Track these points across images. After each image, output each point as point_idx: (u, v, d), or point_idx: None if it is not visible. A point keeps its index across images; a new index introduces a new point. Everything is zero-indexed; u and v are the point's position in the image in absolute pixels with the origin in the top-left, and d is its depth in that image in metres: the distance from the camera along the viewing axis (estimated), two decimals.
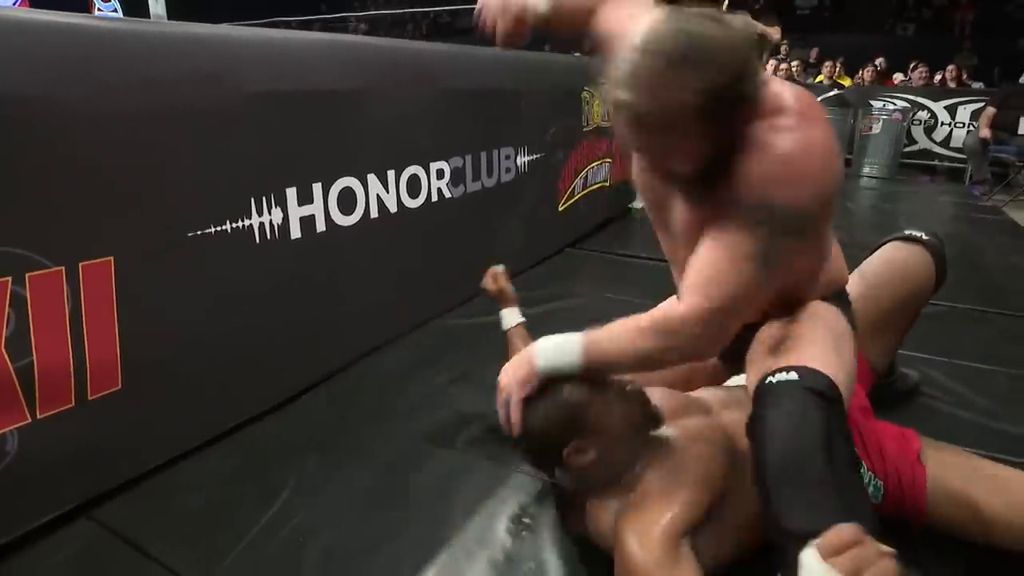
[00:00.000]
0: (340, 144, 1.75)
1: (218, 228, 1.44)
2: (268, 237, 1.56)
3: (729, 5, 3.88)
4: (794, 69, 7.61)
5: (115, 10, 13.58)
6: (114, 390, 1.29)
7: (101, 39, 1.21)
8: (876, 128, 5.97)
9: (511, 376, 1.08)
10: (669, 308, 1.02)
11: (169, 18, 5.06)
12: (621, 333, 1.04)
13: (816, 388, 0.93)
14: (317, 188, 1.69)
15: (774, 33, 4.96)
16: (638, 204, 5.26)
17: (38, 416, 1.17)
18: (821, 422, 0.91)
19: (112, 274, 1.25)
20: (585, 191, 3.27)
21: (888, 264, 1.41)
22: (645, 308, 1.09)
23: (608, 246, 3.27)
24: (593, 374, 1.06)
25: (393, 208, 1.97)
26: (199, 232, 1.40)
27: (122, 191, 1.25)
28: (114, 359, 1.28)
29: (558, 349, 1.06)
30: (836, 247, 1.23)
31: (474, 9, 1.27)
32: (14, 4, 12.65)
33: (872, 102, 6.30)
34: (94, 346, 1.24)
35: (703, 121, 0.88)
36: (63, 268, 1.17)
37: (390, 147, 1.94)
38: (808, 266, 1.13)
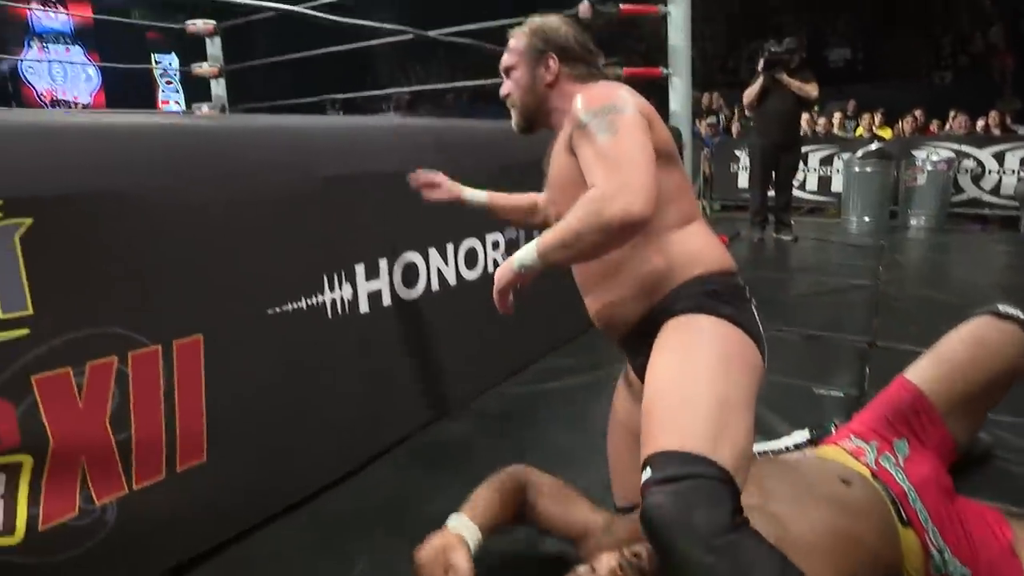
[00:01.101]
0: (403, 220, 1.84)
1: (295, 305, 1.52)
2: (339, 312, 1.64)
3: (766, 66, 3.95)
4: (834, 122, 7.64)
5: (177, 91, 14.44)
6: (200, 462, 1.35)
7: (189, 137, 1.34)
8: (921, 179, 5.92)
9: (499, 273, 1.23)
10: (591, 191, 1.09)
11: (229, 100, 5.39)
12: (566, 221, 1.10)
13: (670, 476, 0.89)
14: (383, 263, 1.78)
15: (812, 90, 5.01)
16: None
17: (134, 487, 1.24)
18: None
19: (201, 351, 1.33)
20: None
21: (981, 346, 1.34)
22: None
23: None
24: None
25: (452, 280, 2.04)
26: (278, 309, 1.49)
27: (210, 273, 1.35)
28: (200, 432, 1.35)
29: (524, 250, 1.17)
30: (707, 229, 1.27)
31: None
32: (91, 95, 13.53)
33: (915, 152, 6.27)
34: (184, 420, 1.31)
35: (533, 37, 1.32)
36: (159, 346, 1.26)
37: (448, 221, 2.03)
38: (667, 178, 1.19)
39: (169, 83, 14.63)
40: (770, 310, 3.20)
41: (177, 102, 15.30)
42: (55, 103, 13.67)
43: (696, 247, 1.21)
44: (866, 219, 5.90)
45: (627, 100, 1.16)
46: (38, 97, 13.41)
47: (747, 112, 5.58)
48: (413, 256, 1.89)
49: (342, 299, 1.65)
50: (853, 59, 13.36)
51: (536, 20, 1.35)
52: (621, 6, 3.94)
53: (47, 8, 12.87)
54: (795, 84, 4.90)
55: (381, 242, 1.78)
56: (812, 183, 6.89)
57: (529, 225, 1.67)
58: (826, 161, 6.89)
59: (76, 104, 13.96)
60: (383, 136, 1.80)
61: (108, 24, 13.39)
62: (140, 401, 1.23)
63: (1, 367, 1.05)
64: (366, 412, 1.76)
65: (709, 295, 1.16)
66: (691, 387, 1.02)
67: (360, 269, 1.70)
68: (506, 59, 1.36)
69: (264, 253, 1.46)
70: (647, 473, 0.93)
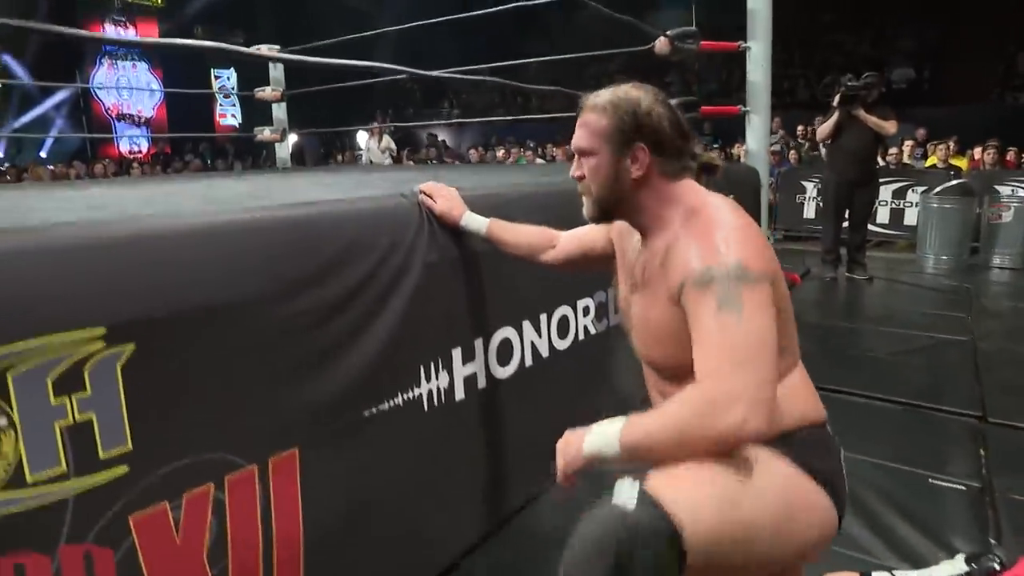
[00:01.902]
0: (498, 295, 1.73)
1: (392, 402, 1.41)
2: (435, 403, 1.53)
3: (842, 100, 3.75)
4: (904, 151, 7.32)
5: (235, 104, 14.74)
6: None
7: (285, 231, 1.23)
8: (1007, 216, 5.58)
9: (563, 454, 1.08)
10: (694, 388, 0.96)
11: (290, 120, 5.37)
12: (660, 414, 0.98)
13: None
14: (479, 344, 1.66)
15: (890, 127, 4.76)
16: None
17: None
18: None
19: (297, 465, 1.23)
20: None
21: None
22: None
23: None
24: None
25: (545, 352, 1.92)
26: (375, 410, 1.38)
27: (306, 380, 1.24)
28: (298, 550, 1.24)
29: (602, 436, 1.01)
30: (803, 374, 1.15)
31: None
32: (154, 108, 13.94)
33: (998, 187, 5.93)
34: (281, 539, 1.21)
35: (616, 119, 1.09)
36: (256, 466, 1.16)
37: (541, 291, 1.91)
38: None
39: (227, 97, 14.99)
40: (858, 370, 3.03)
41: (234, 115, 15.69)
42: (121, 116, 14.12)
43: (789, 403, 1.07)
44: (944, 257, 5.60)
45: (757, 259, 1.00)
46: (105, 111, 13.88)
47: (820, 147, 5.35)
48: (507, 332, 1.77)
49: (438, 388, 1.54)
50: (918, 79, 12.83)
51: (622, 92, 1.10)
52: (701, 43, 3.78)
53: (118, 26, 13.30)
54: (872, 120, 4.66)
55: (477, 321, 1.67)
56: (884, 216, 6.58)
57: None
58: (899, 193, 6.57)
59: (140, 116, 14.39)
60: (481, 211, 1.68)
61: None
62: (237, 527, 1.13)
63: (101, 511, 0.95)
64: (460, 500, 1.64)
65: (796, 446, 1.06)
66: (742, 494, 0.94)
67: (456, 354, 1.59)
68: (581, 140, 1.13)
69: (361, 351, 1.35)
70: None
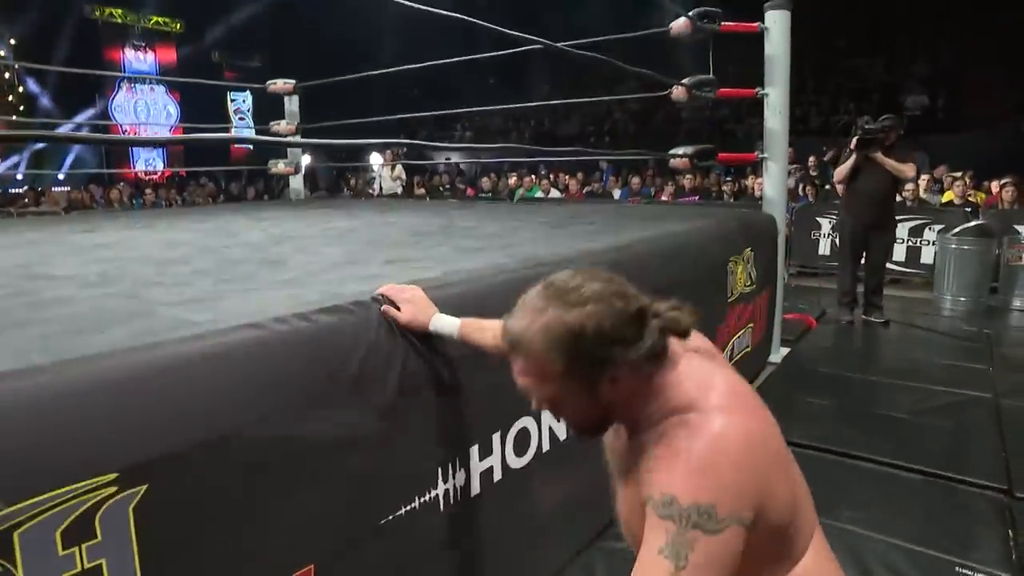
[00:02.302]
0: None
1: (408, 507, 1.38)
2: (451, 502, 1.49)
3: (859, 144, 3.71)
4: (921, 185, 7.26)
5: (249, 127, 14.90)
6: None
7: (294, 347, 1.20)
8: None
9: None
10: None
11: (304, 129, 5.38)
12: None
13: None
14: (496, 438, 1.62)
15: (909, 171, 4.71)
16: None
17: None
18: None
19: None
20: (732, 362, 3.10)
21: None
22: None
23: None
24: None
25: (562, 435, 1.87)
26: (391, 517, 1.34)
27: (321, 496, 1.21)
28: None
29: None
30: (817, 550, 1.03)
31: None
32: (170, 130, 14.10)
33: (1018, 227, 5.86)
34: None
35: (565, 361, 0.93)
36: None
37: None
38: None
39: (242, 119, 15.17)
40: (876, 431, 2.96)
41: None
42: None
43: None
44: (962, 299, 5.53)
45: (734, 497, 0.88)
46: (123, 132, 14.07)
47: (838, 188, 5.30)
48: (526, 421, 1.73)
49: (455, 487, 1.50)
50: (932, 106, 12.74)
51: (551, 320, 0.93)
52: (719, 90, 3.76)
53: (137, 51, 13.53)
54: (890, 163, 4.62)
55: (496, 414, 1.63)
56: (900, 254, 6.52)
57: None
58: (916, 231, 6.51)
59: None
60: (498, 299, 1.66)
61: (188, 66, 14.04)
62: None
63: None
64: None
65: None
66: None
67: (474, 451, 1.56)
68: (529, 388, 0.99)
69: (377, 460, 1.32)
70: None
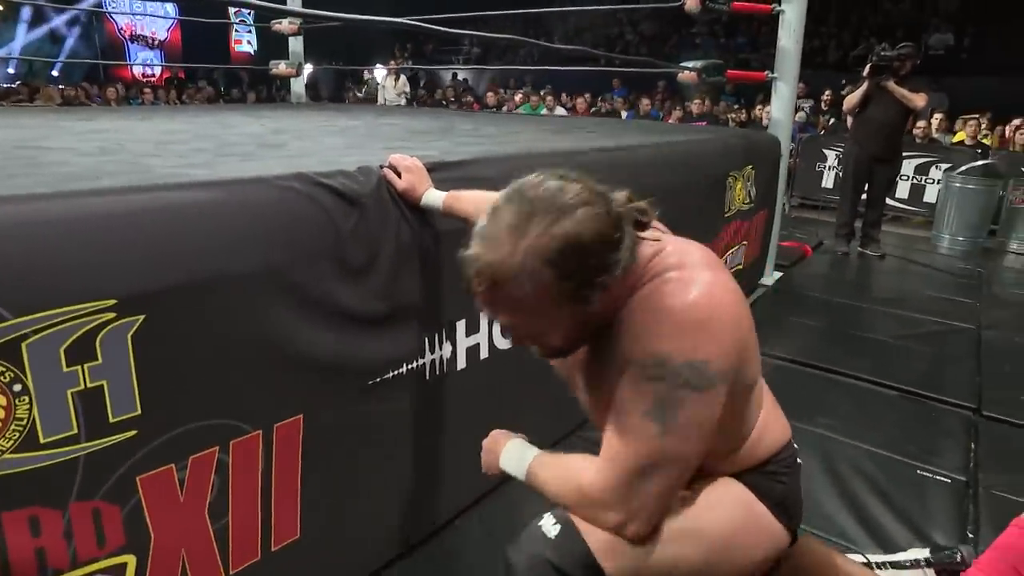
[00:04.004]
0: None
1: (395, 372, 1.44)
2: (436, 372, 1.55)
3: (872, 71, 3.64)
4: (933, 124, 7.12)
5: (250, 31, 14.40)
6: (294, 539, 1.30)
7: (303, 205, 1.23)
8: None
9: (487, 461, 1.17)
10: (589, 471, 0.97)
11: (306, 52, 5.24)
12: (556, 477, 1.03)
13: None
14: (484, 315, 1.67)
15: (919, 100, 4.62)
16: None
17: (230, 572, 1.19)
18: None
19: (300, 431, 1.26)
20: None
21: None
22: None
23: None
24: None
25: None
26: (379, 379, 1.40)
27: (314, 351, 1.26)
28: (295, 510, 1.29)
29: (513, 463, 1.09)
30: (767, 402, 1.11)
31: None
32: (167, 31, 13.62)
33: None
34: (279, 500, 1.25)
35: (560, 280, 0.83)
36: (260, 431, 1.19)
37: None
38: (734, 429, 1.04)
39: (243, 22, 14.63)
40: (860, 352, 3.04)
41: (250, 42, 15.36)
42: (134, 38, 13.84)
43: (755, 443, 1.07)
44: (960, 239, 5.53)
45: (723, 353, 0.89)
46: (119, 31, 13.60)
47: (845, 117, 5.21)
48: None
49: (441, 359, 1.56)
50: (957, 47, 12.32)
51: (547, 236, 0.82)
52: (733, 3, 3.65)
53: None
54: (900, 92, 4.53)
55: None
56: (903, 191, 6.47)
57: None
58: (921, 169, 6.44)
59: (154, 38, 14.11)
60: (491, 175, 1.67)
61: None
62: (238, 487, 1.18)
63: (109, 471, 0.99)
64: (457, 467, 1.68)
65: (757, 475, 1.08)
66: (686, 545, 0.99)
67: (461, 326, 1.61)
68: (513, 322, 0.92)
69: (368, 320, 1.36)
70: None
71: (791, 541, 1.12)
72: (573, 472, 1.00)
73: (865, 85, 4.65)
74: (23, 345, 0.88)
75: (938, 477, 2.07)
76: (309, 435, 1.27)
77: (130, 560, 1.03)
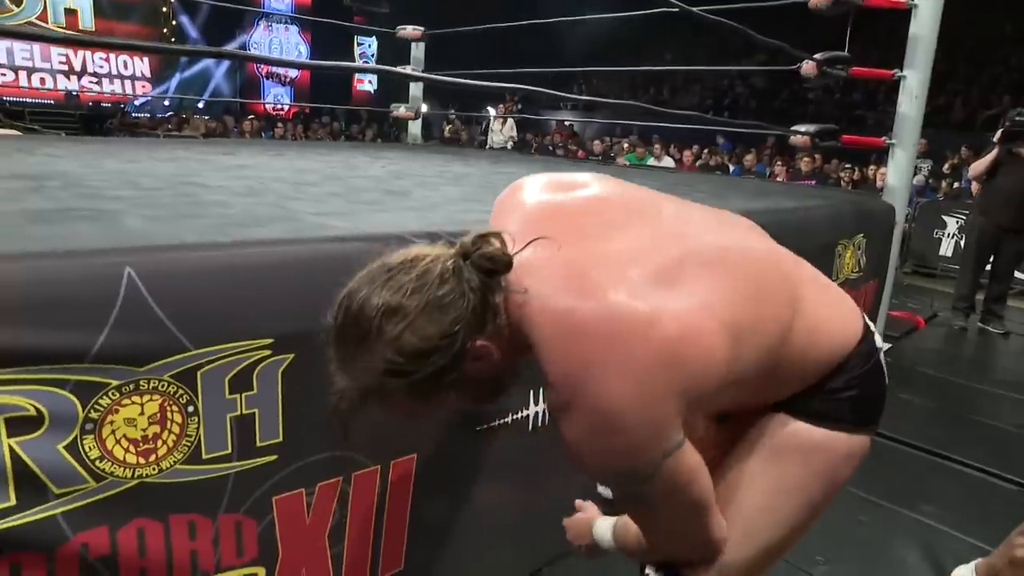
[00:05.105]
0: None
1: (502, 420, 1.52)
2: (539, 424, 1.62)
3: (1005, 136, 3.43)
4: None
5: (373, 55, 15.40)
6: (398, 570, 1.40)
7: None
8: None
9: (573, 531, 1.19)
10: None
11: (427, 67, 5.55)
12: (638, 542, 1.01)
13: None
14: None
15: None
16: None
17: None
18: None
19: (413, 469, 1.36)
20: None
21: None
22: None
23: None
24: None
25: None
26: (486, 426, 1.49)
27: None
28: (402, 542, 1.39)
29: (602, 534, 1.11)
30: (823, 312, 0.94)
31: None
32: (298, 71, 14.72)
33: None
34: (389, 531, 1.35)
35: (414, 384, 0.78)
36: (379, 466, 1.30)
37: None
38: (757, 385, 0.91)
39: (366, 63, 15.70)
40: (974, 438, 2.85)
41: (371, 82, 16.44)
42: (269, 76, 15.17)
43: (809, 370, 0.94)
44: None
45: (652, 450, 0.79)
46: (256, 70, 14.95)
47: (973, 186, 4.97)
48: None
49: (544, 411, 1.63)
50: None
51: (376, 356, 0.78)
52: (851, 69, 3.60)
53: None
54: None
55: None
56: None
57: None
58: None
59: (286, 76, 15.41)
60: None
61: (321, 8, 14.63)
62: (355, 516, 1.28)
63: (252, 489, 1.12)
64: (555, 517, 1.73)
65: (844, 399, 0.95)
66: (757, 523, 0.95)
67: None
68: (407, 418, 0.89)
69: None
70: None
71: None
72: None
73: (996, 151, 4.43)
74: (198, 373, 1.02)
75: None
76: (420, 473, 1.37)
77: (260, 572, 1.16)
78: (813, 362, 0.93)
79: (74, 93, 12.40)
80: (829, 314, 0.96)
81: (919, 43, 3.64)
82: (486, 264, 0.79)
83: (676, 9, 3.25)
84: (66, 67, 12.68)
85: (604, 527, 1.12)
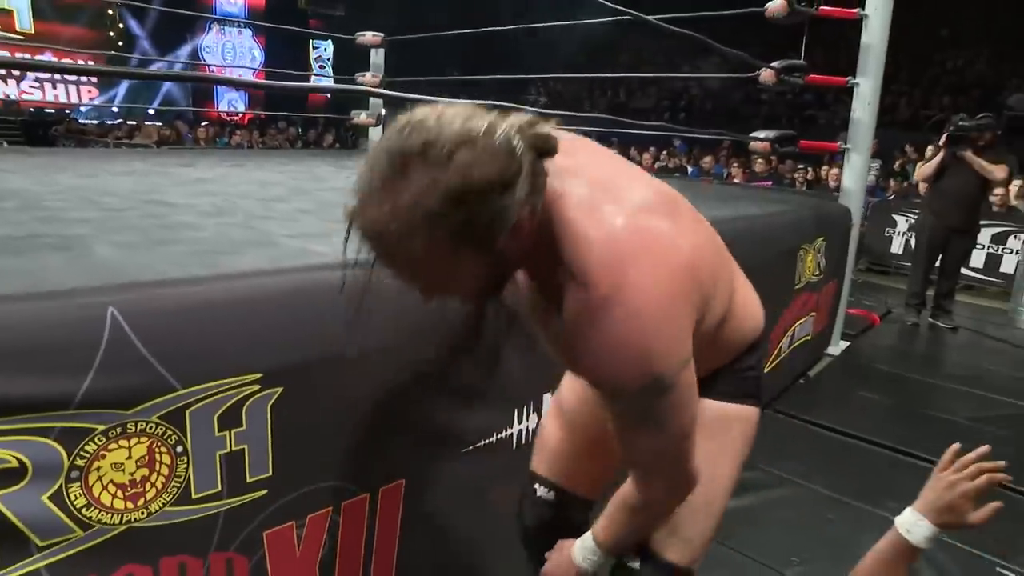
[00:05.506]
0: None
1: (486, 441, 1.53)
2: (524, 442, 1.63)
3: (950, 141, 3.61)
4: (1011, 191, 6.93)
5: (328, 76, 15.22)
6: None
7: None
8: None
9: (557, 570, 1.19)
10: (634, 495, 1.04)
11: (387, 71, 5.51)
12: (620, 522, 1.10)
13: None
14: None
15: (998, 172, 4.53)
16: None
17: None
18: None
19: (401, 494, 1.36)
20: (791, 348, 3.15)
21: None
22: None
23: (816, 413, 3.08)
24: None
25: None
26: (471, 447, 1.49)
27: (416, 421, 1.36)
28: (391, 568, 1.38)
29: (582, 552, 1.15)
30: (747, 292, 1.11)
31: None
32: (253, 74, 14.49)
33: None
34: (379, 558, 1.35)
35: (452, 235, 0.71)
36: (368, 494, 1.29)
37: None
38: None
39: (322, 67, 15.49)
40: (931, 432, 2.97)
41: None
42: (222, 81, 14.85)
43: (733, 334, 1.07)
44: None
45: (677, 356, 0.83)
46: (210, 72, 14.61)
47: (920, 187, 5.16)
48: None
49: (527, 429, 1.64)
50: None
51: (429, 187, 0.69)
52: (808, 76, 3.71)
53: None
54: (978, 163, 4.46)
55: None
56: (978, 260, 6.30)
57: None
58: (999, 238, 6.27)
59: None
60: None
61: (275, 11, 14.41)
62: (345, 545, 1.27)
63: (242, 526, 1.10)
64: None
65: (751, 377, 1.14)
66: (713, 492, 1.10)
67: (547, 398, 1.69)
68: (411, 282, 0.81)
69: (465, 396, 1.46)
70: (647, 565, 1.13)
71: None
72: (626, 507, 1.08)
73: (941, 155, 4.61)
74: (187, 412, 1.00)
75: None
76: (408, 498, 1.37)
77: None
78: (740, 335, 1.08)
79: (12, 99, 11.87)
80: (749, 292, 1.12)
81: (871, 52, 3.78)
82: (539, 143, 0.76)
83: (629, 17, 3.30)
84: (3, 71, 12.09)
85: (583, 545, 1.16)
